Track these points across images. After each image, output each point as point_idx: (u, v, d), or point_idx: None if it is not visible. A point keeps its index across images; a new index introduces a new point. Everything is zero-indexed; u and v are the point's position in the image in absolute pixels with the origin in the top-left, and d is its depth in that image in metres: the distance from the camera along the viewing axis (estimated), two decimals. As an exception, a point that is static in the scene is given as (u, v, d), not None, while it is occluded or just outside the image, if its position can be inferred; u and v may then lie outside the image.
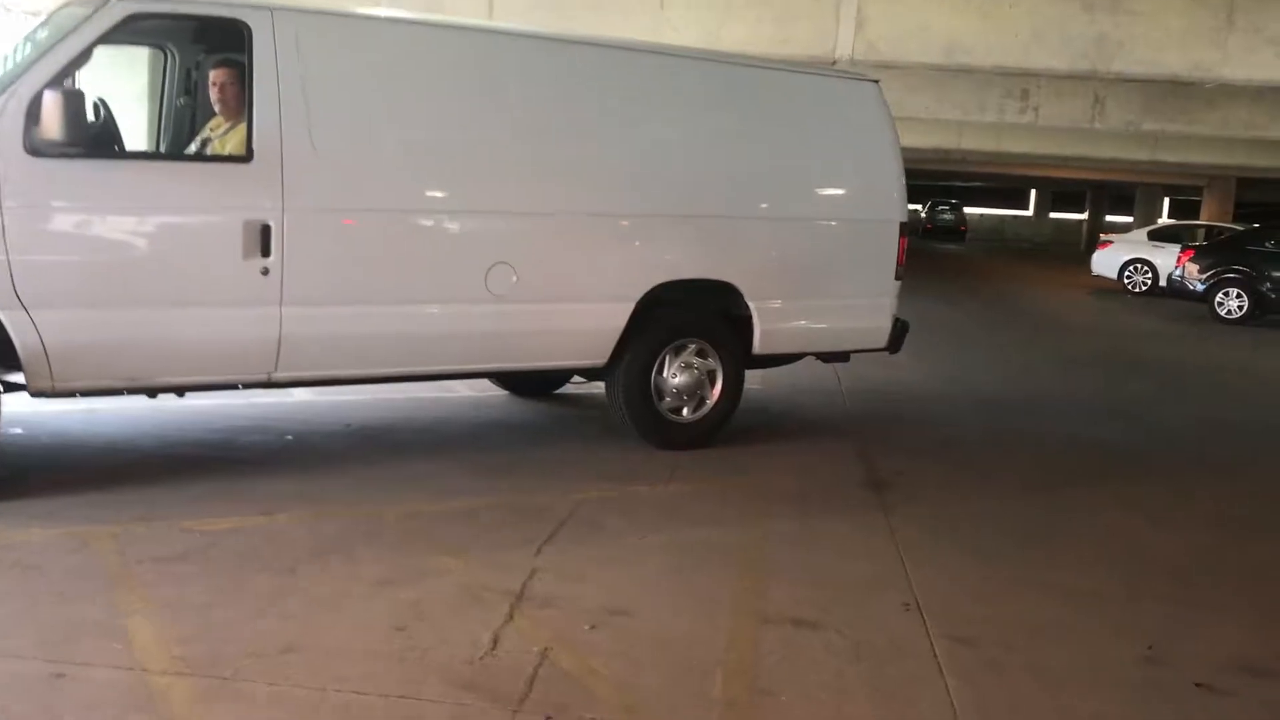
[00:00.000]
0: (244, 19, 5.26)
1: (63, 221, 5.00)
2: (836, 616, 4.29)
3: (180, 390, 5.64)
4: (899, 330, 7.49)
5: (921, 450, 7.26)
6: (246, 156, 5.31)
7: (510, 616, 4.07)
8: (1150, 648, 4.21)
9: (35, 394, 5.05)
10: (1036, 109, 14.44)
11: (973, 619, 4.36)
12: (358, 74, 5.63)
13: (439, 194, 5.84)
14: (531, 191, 6.07)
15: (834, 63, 9.40)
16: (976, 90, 14.56)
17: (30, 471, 5.43)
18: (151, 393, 5.61)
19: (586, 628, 4.02)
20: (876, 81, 7.30)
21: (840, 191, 7.24)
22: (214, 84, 5.70)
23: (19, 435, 6.15)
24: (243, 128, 5.36)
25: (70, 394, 5.22)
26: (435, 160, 5.82)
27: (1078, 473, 6.94)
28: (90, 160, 5.02)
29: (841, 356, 7.67)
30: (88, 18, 4.97)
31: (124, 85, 7.87)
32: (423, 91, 5.81)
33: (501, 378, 7.77)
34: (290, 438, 6.51)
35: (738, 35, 9.37)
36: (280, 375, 5.58)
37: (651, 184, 6.43)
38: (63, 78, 4.91)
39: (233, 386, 5.62)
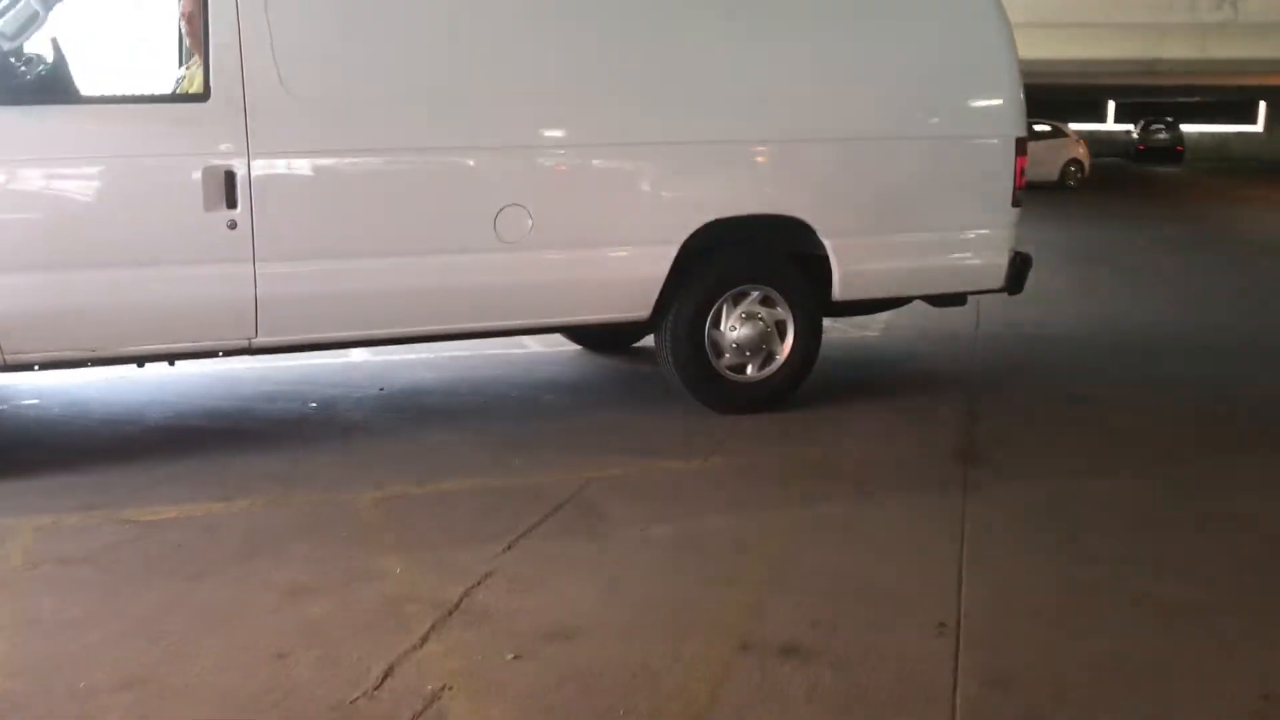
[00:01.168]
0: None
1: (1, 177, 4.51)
2: (843, 641, 3.36)
3: (165, 359, 5.12)
4: (1019, 266, 6.30)
5: (1043, 409, 6.10)
6: (203, 95, 4.68)
7: (424, 640, 3.32)
8: (1267, 696, 3.11)
9: (-14, 367, 4.62)
10: (1235, 4, 12.49)
11: (1026, 647, 3.35)
12: (330, -8, 4.92)
13: (433, 129, 5.06)
14: (544, 121, 5.24)
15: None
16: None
17: (15, 449, 5.01)
18: (138, 362, 5.12)
19: (509, 657, 3.24)
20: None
21: (937, 103, 6.01)
22: (182, 14, 5.11)
23: (34, 406, 5.82)
24: (205, 62, 4.74)
25: (26, 367, 4.76)
26: (427, 90, 5.05)
27: (1232, 441, 5.62)
28: (26, 107, 4.51)
29: (956, 299, 6.53)
30: None
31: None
32: (409, 10, 5.05)
33: (570, 331, 7.03)
34: (314, 405, 5.94)
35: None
36: (263, 341, 4.98)
37: (692, 103, 5.47)
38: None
39: (213, 354, 5.05)
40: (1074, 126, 28.24)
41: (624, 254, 5.43)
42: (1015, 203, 6.16)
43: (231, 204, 4.71)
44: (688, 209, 5.48)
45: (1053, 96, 30.32)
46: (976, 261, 6.20)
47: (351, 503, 4.47)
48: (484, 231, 5.12)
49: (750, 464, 5.04)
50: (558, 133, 5.28)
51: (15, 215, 4.53)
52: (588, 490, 4.63)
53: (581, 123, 5.31)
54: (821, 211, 5.72)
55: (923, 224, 6.02)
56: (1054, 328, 8.40)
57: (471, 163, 5.16)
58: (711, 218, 5.50)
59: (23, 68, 4.81)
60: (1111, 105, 49.00)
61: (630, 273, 5.47)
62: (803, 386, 5.90)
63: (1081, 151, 25.85)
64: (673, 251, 5.46)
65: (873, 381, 6.70)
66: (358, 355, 6.82)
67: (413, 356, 6.91)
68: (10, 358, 4.61)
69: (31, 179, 4.56)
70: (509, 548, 4.03)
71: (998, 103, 6.09)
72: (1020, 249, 6.32)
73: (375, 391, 6.22)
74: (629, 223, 5.42)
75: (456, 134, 5.10)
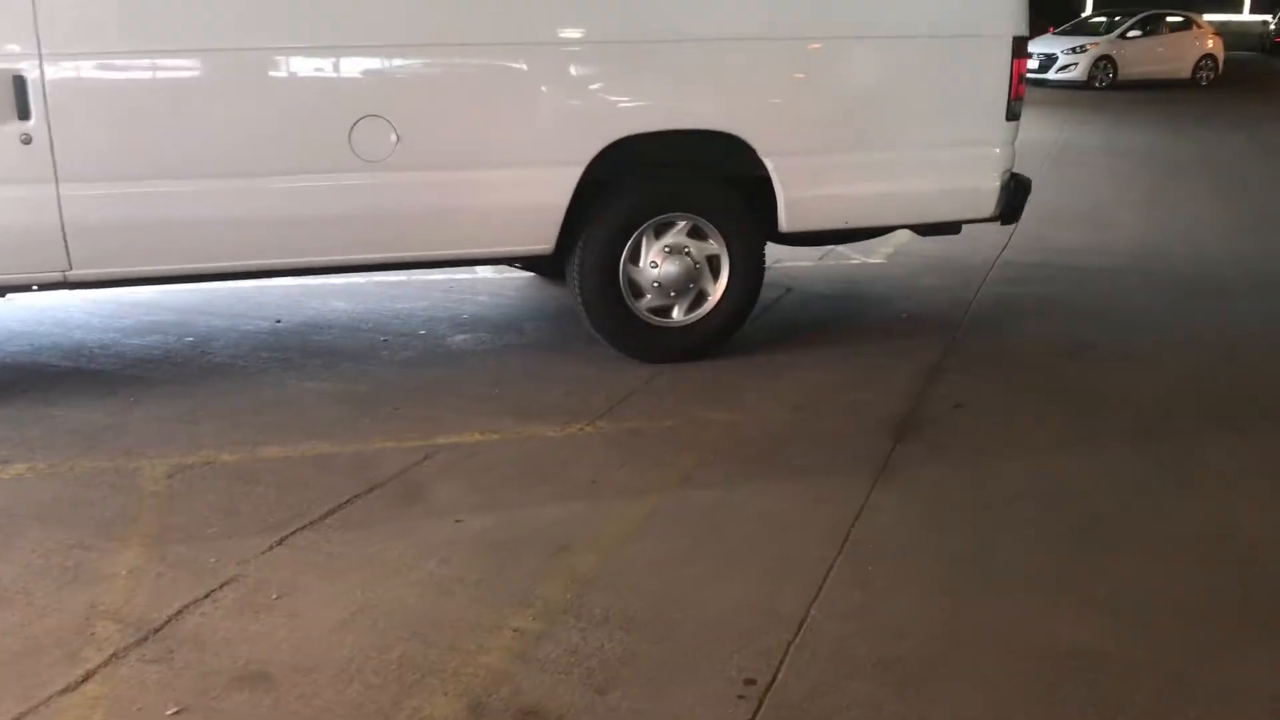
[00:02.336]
0: None
1: None
2: (611, 702, 2.60)
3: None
4: (1015, 191, 5.31)
5: (1028, 364, 5.15)
6: (-19, -16, 3.97)
7: (84, 680, 2.66)
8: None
9: None
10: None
11: (848, 725, 2.54)
12: None
13: (268, 24, 4.26)
14: (408, 13, 4.39)
15: None
16: None
17: None
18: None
19: (171, 711, 2.55)
20: None
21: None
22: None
23: (-104, 336, 5.31)
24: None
25: None
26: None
27: (1247, 414, 4.60)
28: None
29: (946, 228, 5.56)
30: None
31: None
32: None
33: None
34: (190, 339, 5.31)
35: None
36: (80, 274, 4.32)
37: (596, -4, 4.58)
38: None
39: (26, 289, 4.42)
40: (1206, 18, 26.19)
41: (516, 176, 4.61)
42: (1011, 115, 5.15)
43: (24, 114, 4.03)
44: (592, 123, 4.63)
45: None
46: (959, 185, 5.23)
47: (141, 472, 3.82)
48: (336, 148, 4.35)
49: (638, 431, 4.25)
50: (426, 28, 4.42)
51: None
52: (426, 463, 3.91)
53: (456, 16, 4.45)
54: (760, 126, 4.81)
55: (891, 140, 5.05)
56: (1093, 260, 7.31)
57: (318, 64, 4.36)
58: (622, 134, 4.65)
59: None
60: (1249, -6, 45.29)
61: (524, 199, 4.65)
62: (765, 327, 5.07)
63: (1215, 45, 24.04)
64: (575, 174, 4.63)
65: (847, 321, 5.80)
66: (284, 281, 6.13)
67: (338, 283, 6.24)
68: None
69: None
70: (279, 543, 3.33)
71: (989, -6, 5.03)
72: (1018, 171, 5.34)
73: (270, 324, 5.56)
74: (521, 139, 4.58)
75: (298, 30, 4.29)
